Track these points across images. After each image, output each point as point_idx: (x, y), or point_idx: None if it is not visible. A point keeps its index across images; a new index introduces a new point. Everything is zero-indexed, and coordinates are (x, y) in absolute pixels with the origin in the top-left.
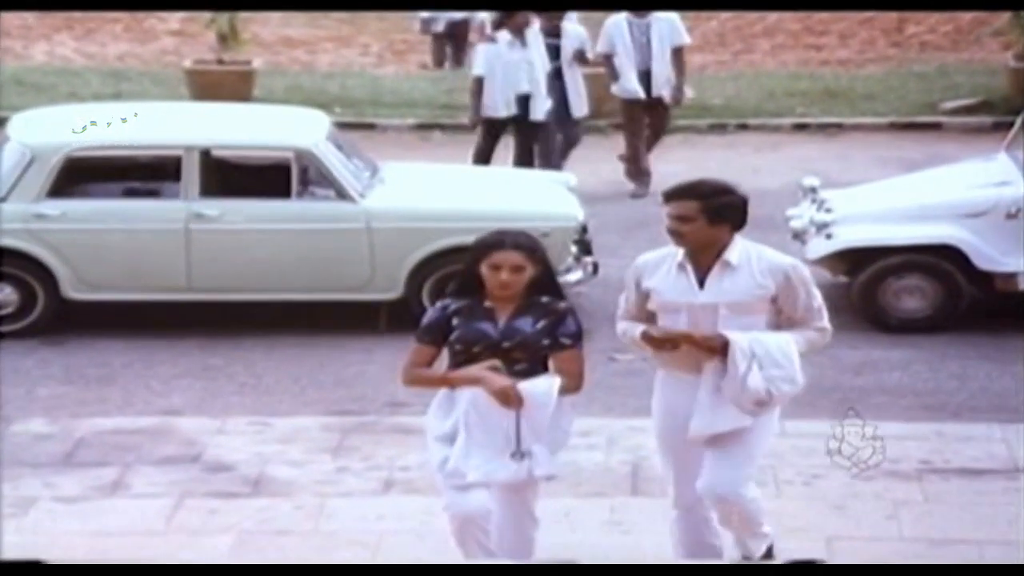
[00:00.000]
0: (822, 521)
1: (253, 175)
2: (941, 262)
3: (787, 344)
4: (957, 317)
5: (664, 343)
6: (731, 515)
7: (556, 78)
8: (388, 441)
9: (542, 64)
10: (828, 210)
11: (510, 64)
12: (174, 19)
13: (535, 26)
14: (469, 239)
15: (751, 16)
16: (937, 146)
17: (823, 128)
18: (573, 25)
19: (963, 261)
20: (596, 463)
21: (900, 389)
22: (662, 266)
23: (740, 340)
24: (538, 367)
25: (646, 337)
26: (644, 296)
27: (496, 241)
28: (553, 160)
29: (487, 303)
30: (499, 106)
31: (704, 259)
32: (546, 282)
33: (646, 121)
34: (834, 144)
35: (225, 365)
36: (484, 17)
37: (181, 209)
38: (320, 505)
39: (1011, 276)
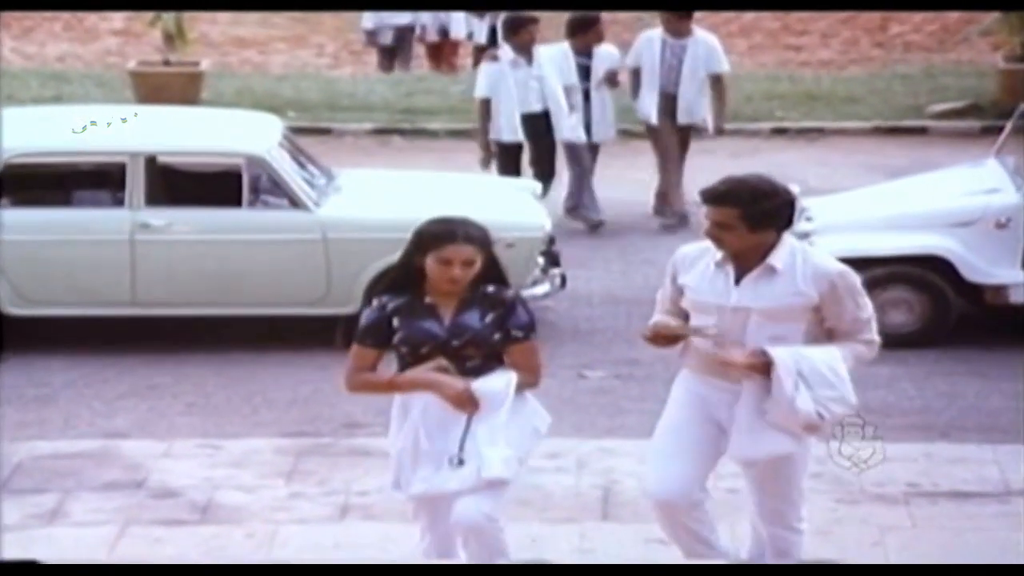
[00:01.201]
0: (805, 547)
1: (202, 183)
2: (928, 274)
3: (835, 360)
4: (945, 332)
5: (662, 339)
6: (778, 543)
7: (585, 99)
8: (345, 464)
9: (558, 80)
10: (809, 219)
11: (515, 84)
12: (117, 17)
13: (564, 45)
14: None
15: (727, 14)
16: (923, 151)
17: (803, 133)
18: (607, 45)
19: (951, 273)
20: (565, 487)
21: (886, 408)
22: (700, 261)
23: (784, 357)
24: (491, 362)
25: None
26: (679, 291)
27: (446, 232)
28: (585, 184)
29: (428, 299)
30: (503, 129)
31: (747, 261)
32: (491, 271)
33: (675, 142)
34: (815, 149)
35: (172, 384)
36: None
37: (126, 219)
38: (273, 533)
39: (1001, 288)
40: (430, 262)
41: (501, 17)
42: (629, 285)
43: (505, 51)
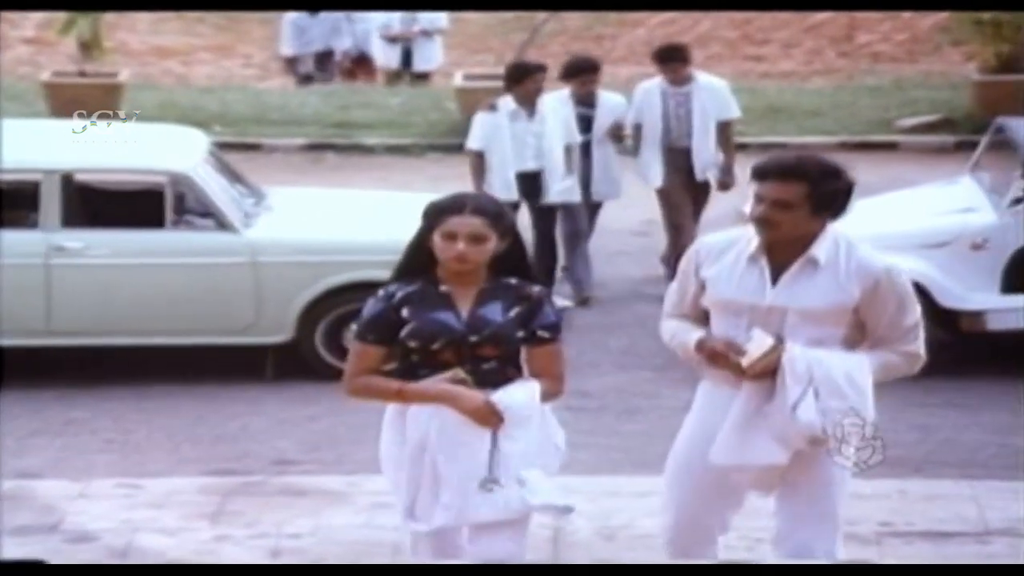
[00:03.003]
0: None
1: (122, 203)
2: None
3: (857, 369)
4: None
5: (726, 361)
6: None
7: (585, 155)
8: (275, 504)
9: (560, 138)
10: None
11: (511, 138)
12: (29, 25)
13: (563, 92)
14: (368, 274)
15: (683, 23)
16: (893, 168)
17: (765, 148)
18: (610, 94)
19: (924, 298)
20: None
21: None
22: (727, 253)
23: (796, 357)
24: (508, 367)
25: (707, 351)
26: (701, 287)
27: (454, 204)
28: (577, 248)
29: (443, 287)
30: (496, 186)
31: (787, 252)
32: (515, 260)
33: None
34: None
35: (89, 419)
36: (347, 49)
37: (40, 241)
38: None
39: (978, 315)
40: (436, 238)
41: (418, 41)
42: (580, 312)
43: (505, 101)
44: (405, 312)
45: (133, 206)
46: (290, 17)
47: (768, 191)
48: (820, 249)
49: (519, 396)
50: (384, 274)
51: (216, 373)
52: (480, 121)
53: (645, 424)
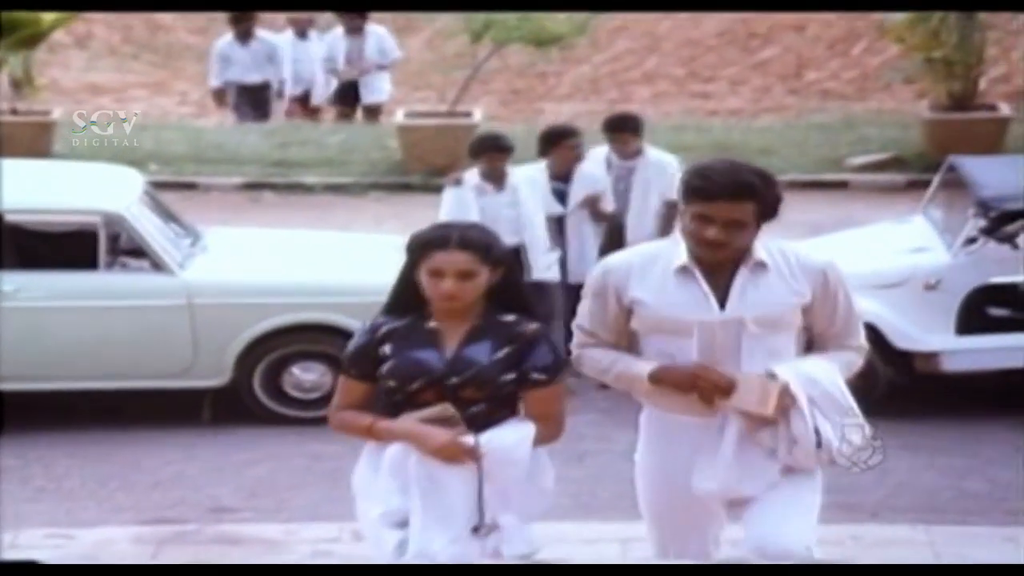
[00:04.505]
0: None
1: (54, 244)
2: None
3: (838, 377)
4: (873, 402)
5: (711, 391)
6: None
7: (560, 231)
8: (212, 554)
9: (537, 210)
10: None
11: (480, 213)
12: None
13: (541, 166)
14: (308, 316)
15: (628, 60)
16: (844, 207)
17: None
18: (590, 167)
19: (878, 339)
20: None
21: None
22: (652, 269)
23: (796, 385)
24: (502, 409)
25: (688, 379)
26: (627, 311)
27: (438, 238)
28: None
29: (431, 323)
30: None
31: (723, 263)
32: (511, 292)
33: None
34: None
35: (19, 467)
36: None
37: None
38: None
39: (932, 356)
40: (423, 275)
41: (367, 74)
42: None
43: (471, 174)
44: (387, 348)
45: (66, 247)
46: (217, 48)
47: (719, 211)
48: (761, 253)
49: (506, 437)
50: (324, 316)
51: (151, 418)
52: (446, 196)
53: (593, 469)
